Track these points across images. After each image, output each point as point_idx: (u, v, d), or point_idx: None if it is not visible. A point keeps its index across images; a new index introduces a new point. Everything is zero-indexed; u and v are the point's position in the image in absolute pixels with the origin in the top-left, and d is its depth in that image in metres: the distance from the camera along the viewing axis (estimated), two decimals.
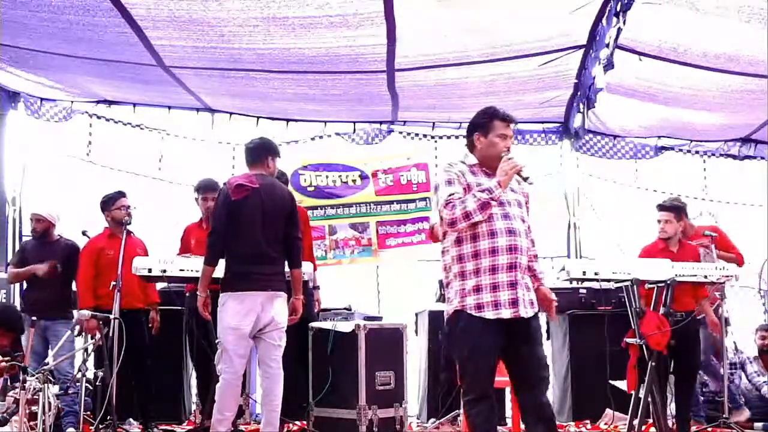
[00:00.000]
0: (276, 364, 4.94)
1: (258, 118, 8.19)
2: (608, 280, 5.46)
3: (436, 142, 8.52)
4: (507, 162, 3.80)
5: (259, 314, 4.81)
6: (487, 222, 3.78)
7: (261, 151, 5.12)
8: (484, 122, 3.96)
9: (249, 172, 5.07)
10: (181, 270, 5.38)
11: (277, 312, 4.90)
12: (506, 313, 3.73)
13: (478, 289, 3.77)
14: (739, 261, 6.50)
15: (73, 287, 6.26)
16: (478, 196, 3.73)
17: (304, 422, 5.92)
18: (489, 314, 3.74)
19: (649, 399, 5.12)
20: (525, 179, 3.84)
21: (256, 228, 4.88)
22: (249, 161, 5.13)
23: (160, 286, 6.20)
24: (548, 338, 7.24)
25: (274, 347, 4.92)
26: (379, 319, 6.40)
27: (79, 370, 5.38)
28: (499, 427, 5.79)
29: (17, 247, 7.23)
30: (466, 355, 3.79)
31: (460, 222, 3.74)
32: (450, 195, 3.78)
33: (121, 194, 6.16)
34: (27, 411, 4.81)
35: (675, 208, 6.09)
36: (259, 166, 5.08)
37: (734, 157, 8.48)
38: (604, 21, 5.66)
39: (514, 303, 3.75)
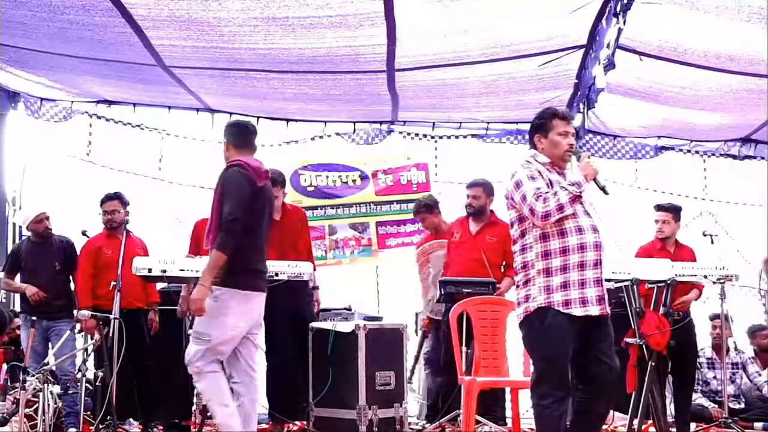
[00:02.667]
0: (255, 372, 4.56)
1: (258, 118, 8.18)
2: (608, 280, 5.45)
3: (436, 142, 8.51)
4: (587, 162, 3.90)
5: (255, 316, 4.53)
6: (573, 218, 3.84)
7: (254, 135, 4.75)
8: (543, 123, 4.02)
9: (244, 156, 4.57)
10: (181, 270, 5.37)
11: (262, 314, 4.63)
12: (594, 310, 3.79)
13: (565, 285, 3.79)
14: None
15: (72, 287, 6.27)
16: (569, 189, 3.81)
17: (304, 422, 5.91)
18: (577, 311, 3.77)
19: (650, 399, 5.12)
20: (602, 188, 3.91)
21: (264, 222, 4.56)
22: (241, 144, 4.62)
23: (160, 286, 6.20)
24: None
25: (256, 350, 4.61)
26: (379, 319, 6.39)
27: (79, 370, 5.38)
28: (499, 427, 5.81)
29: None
30: (553, 352, 3.81)
31: (554, 214, 3.79)
32: (537, 189, 3.83)
33: (107, 197, 6.14)
34: (26, 411, 4.81)
35: (673, 209, 6.13)
36: (251, 151, 4.66)
37: (734, 157, 8.47)
38: (603, 21, 5.66)
39: (600, 300, 3.82)
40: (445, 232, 6.64)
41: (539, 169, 3.95)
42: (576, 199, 3.82)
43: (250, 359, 4.54)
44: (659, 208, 6.17)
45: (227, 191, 4.40)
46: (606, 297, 3.87)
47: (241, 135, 4.69)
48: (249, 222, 4.38)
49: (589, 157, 3.95)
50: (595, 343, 3.86)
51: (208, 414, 5.27)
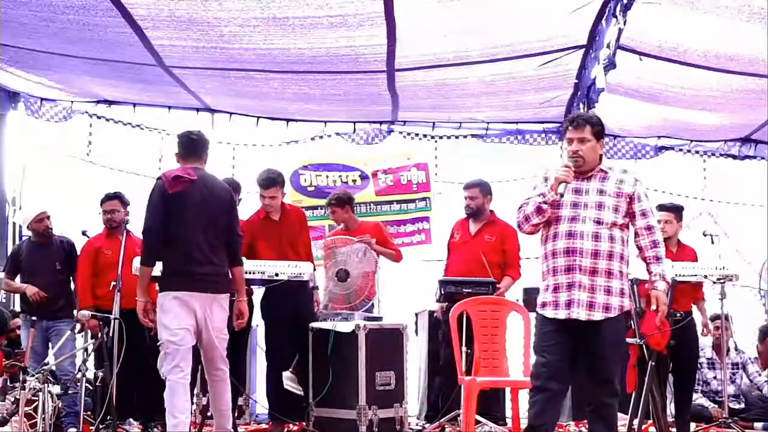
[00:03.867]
0: (222, 369, 4.73)
1: (258, 118, 8.19)
2: None
3: (436, 142, 8.51)
4: (561, 170, 3.95)
5: (198, 317, 4.57)
6: (554, 225, 3.98)
7: (202, 144, 4.89)
8: (563, 129, 4.18)
9: (184, 165, 4.80)
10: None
11: (217, 318, 4.65)
12: (562, 314, 3.92)
13: (546, 289, 4.01)
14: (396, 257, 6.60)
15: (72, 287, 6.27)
16: (535, 200, 3.96)
17: (304, 422, 5.91)
18: (548, 313, 3.97)
19: (650, 399, 5.12)
20: (561, 196, 3.93)
21: (196, 223, 4.62)
22: (185, 154, 4.84)
23: None
24: None
25: (216, 357, 4.69)
26: (379, 319, 6.39)
27: (79, 370, 5.38)
28: (499, 427, 5.81)
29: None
30: (535, 346, 4.09)
31: (523, 224, 4.03)
32: (526, 198, 4.04)
33: (107, 197, 6.15)
34: (26, 410, 4.81)
35: (675, 209, 6.12)
36: (197, 159, 4.82)
37: (734, 157, 8.48)
38: (603, 21, 5.66)
39: (569, 305, 3.90)
40: (355, 231, 6.54)
41: (548, 177, 4.02)
42: (540, 209, 3.93)
43: (211, 365, 4.72)
44: (661, 208, 6.14)
45: (146, 206, 4.71)
46: (584, 302, 3.90)
47: (184, 146, 4.89)
48: (171, 228, 4.60)
49: (566, 165, 3.98)
50: (589, 353, 3.95)
51: (209, 414, 5.27)
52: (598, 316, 3.90)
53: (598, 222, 3.94)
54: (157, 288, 4.79)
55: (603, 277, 3.91)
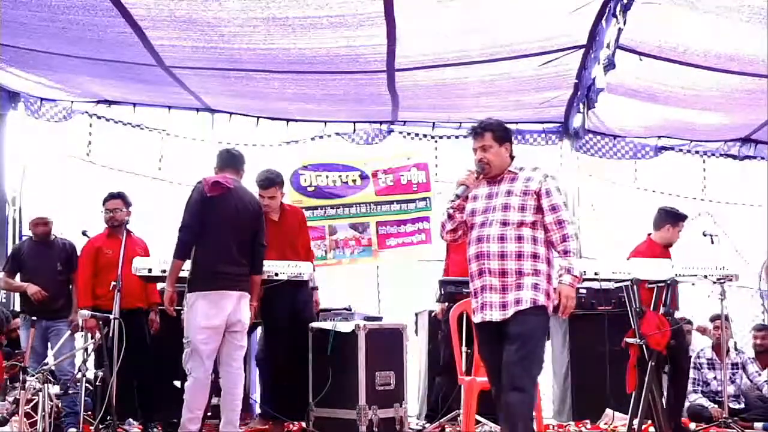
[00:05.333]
0: (237, 365, 5.02)
1: (258, 118, 8.19)
2: (608, 280, 5.47)
3: (436, 142, 8.52)
4: (463, 173, 4.05)
5: (229, 313, 4.89)
6: (470, 232, 4.04)
7: (240, 161, 5.26)
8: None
9: (224, 174, 5.14)
10: (181, 270, 5.36)
11: (244, 313, 5.00)
12: (478, 318, 3.99)
13: (469, 295, 4.09)
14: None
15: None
16: (445, 208, 4.13)
17: (304, 422, 5.91)
18: (476, 319, 4.03)
19: (650, 399, 5.12)
20: (456, 197, 4.04)
21: (227, 227, 4.97)
22: (223, 166, 5.20)
23: (160, 286, 6.20)
24: (548, 338, 7.23)
25: (237, 347, 5.01)
26: (379, 319, 6.39)
27: (79, 370, 5.38)
28: (499, 427, 5.80)
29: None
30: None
31: (441, 232, 4.19)
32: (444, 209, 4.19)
33: (111, 196, 6.15)
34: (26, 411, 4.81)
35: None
36: (234, 172, 5.18)
37: (734, 157, 8.48)
38: (603, 21, 5.67)
39: (483, 308, 3.95)
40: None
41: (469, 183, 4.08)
42: (450, 216, 4.08)
43: (228, 357, 4.99)
44: (685, 218, 6.28)
45: (185, 205, 5.05)
46: (496, 303, 3.89)
47: (227, 158, 5.26)
48: (205, 229, 4.91)
49: (468, 172, 4.03)
50: (503, 347, 3.88)
51: (209, 414, 5.28)
52: (510, 313, 3.87)
53: (504, 223, 3.92)
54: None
55: (513, 276, 3.88)
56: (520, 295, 3.86)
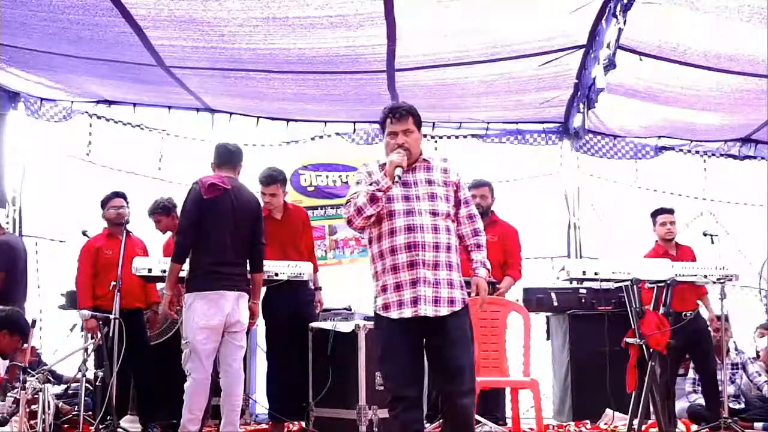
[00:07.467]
0: (237, 365, 5.00)
1: (258, 118, 8.19)
2: (608, 280, 5.47)
3: (436, 142, 8.51)
4: (394, 154, 3.76)
5: (228, 313, 4.86)
6: (389, 220, 3.75)
7: (237, 156, 5.20)
8: (381, 122, 3.92)
9: (223, 172, 5.09)
10: (181, 270, 5.37)
11: (243, 313, 4.98)
12: (407, 312, 3.68)
13: (384, 289, 3.76)
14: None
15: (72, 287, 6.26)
16: (366, 190, 3.72)
17: (304, 422, 5.91)
18: (394, 314, 3.71)
19: (650, 399, 5.12)
20: (398, 178, 3.70)
21: (225, 228, 4.95)
22: (220, 163, 5.14)
23: (160, 286, 6.20)
24: (548, 338, 7.24)
25: (236, 348, 4.98)
26: None
27: (79, 370, 5.37)
28: (498, 427, 5.80)
29: None
30: (380, 355, 3.87)
31: (355, 219, 3.76)
32: (353, 194, 3.81)
33: (114, 195, 6.14)
34: (27, 411, 4.81)
35: (673, 211, 6.47)
36: (231, 169, 5.13)
37: (734, 157, 8.48)
38: (603, 21, 5.66)
39: (415, 302, 3.68)
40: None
41: (372, 170, 3.87)
42: (374, 198, 3.69)
43: (228, 357, 4.96)
44: (665, 211, 6.38)
45: (181, 208, 5.06)
46: (429, 297, 3.67)
47: (223, 154, 5.17)
48: (202, 231, 4.89)
49: (398, 152, 3.76)
50: (437, 350, 3.72)
51: (209, 414, 5.28)
52: (444, 311, 3.69)
53: (434, 213, 3.75)
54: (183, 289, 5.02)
55: (445, 270, 3.71)
56: (453, 294, 3.72)
